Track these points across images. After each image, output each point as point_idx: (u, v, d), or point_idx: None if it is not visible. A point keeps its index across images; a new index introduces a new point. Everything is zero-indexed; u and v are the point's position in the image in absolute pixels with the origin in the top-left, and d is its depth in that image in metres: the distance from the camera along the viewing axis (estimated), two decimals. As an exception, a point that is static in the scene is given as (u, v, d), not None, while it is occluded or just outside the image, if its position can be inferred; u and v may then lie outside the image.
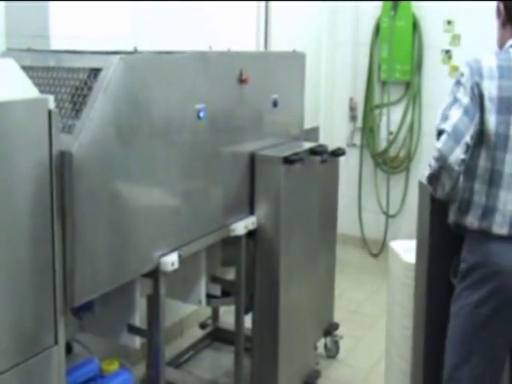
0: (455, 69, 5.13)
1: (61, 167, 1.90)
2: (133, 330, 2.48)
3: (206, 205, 2.63)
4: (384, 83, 5.38)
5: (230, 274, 3.01)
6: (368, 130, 5.52)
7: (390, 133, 5.38)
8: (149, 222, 2.29)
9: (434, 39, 5.19)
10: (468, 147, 2.09)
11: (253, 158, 2.89)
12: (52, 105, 1.84)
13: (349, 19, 5.53)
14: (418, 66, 5.23)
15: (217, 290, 3.01)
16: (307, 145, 3.18)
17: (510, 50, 2.21)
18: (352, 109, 5.62)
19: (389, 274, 2.88)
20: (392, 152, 5.42)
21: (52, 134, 1.84)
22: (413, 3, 5.15)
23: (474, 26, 4.98)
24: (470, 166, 2.14)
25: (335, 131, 5.68)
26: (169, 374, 2.92)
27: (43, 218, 1.85)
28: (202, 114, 2.50)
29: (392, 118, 5.34)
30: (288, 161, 2.86)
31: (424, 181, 2.24)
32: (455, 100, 2.15)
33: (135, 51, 2.25)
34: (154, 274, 2.37)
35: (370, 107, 5.48)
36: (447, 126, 2.12)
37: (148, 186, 2.27)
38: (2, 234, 1.73)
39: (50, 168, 1.85)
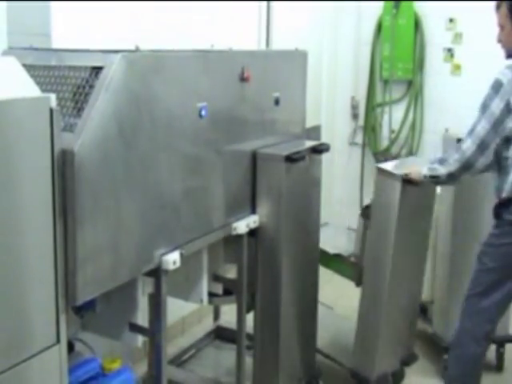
0: (457, 67, 5.13)
1: (62, 166, 1.90)
2: (135, 328, 2.48)
3: (207, 203, 2.63)
4: (386, 82, 5.38)
5: (232, 273, 3.01)
6: (370, 129, 5.52)
7: (392, 131, 5.38)
8: (150, 220, 2.29)
9: (436, 37, 5.18)
10: (491, 153, 2.76)
11: (255, 157, 2.89)
12: (54, 103, 1.84)
13: (350, 17, 5.52)
14: (419, 64, 5.23)
15: (218, 288, 3.01)
16: (309, 143, 3.18)
17: None
18: (354, 107, 5.62)
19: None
20: (394, 150, 5.42)
21: (53, 133, 1.84)
22: (415, 2, 5.15)
23: (476, 24, 4.97)
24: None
25: (337, 130, 5.68)
26: (170, 373, 2.92)
27: (45, 217, 1.85)
28: (203, 113, 2.50)
29: (394, 116, 5.34)
30: (290, 159, 2.85)
31: (433, 172, 2.93)
32: (487, 111, 2.73)
33: (137, 50, 2.25)
34: (156, 273, 2.37)
35: (371, 106, 5.47)
36: (475, 138, 2.75)
37: (149, 184, 2.27)
38: (4, 233, 1.73)
39: (52, 167, 1.85)
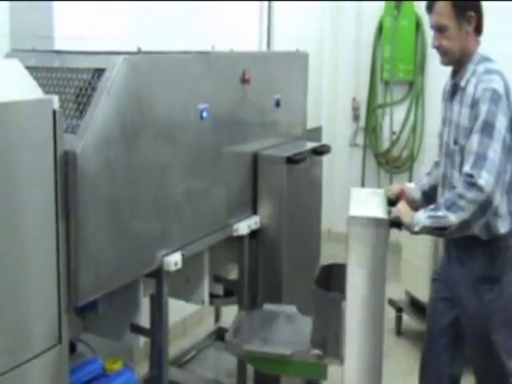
0: (458, 69, 5.13)
1: (65, 167, 1.91)
2: (136, 329, 2.48)
3: (209, 205, 2.63)
4: (387, 83, 5.39)
5: (233, 274, 3.01)
6: (371, 130, 5.52)
7: (393, 133, 5.39)
8: (152, 221, 2.29)
9: (438, 40, 5.18)
10: None
11: (256, 158, 2.90)
12: (56, 105, 1.85)
13: (351, 19, 5.52)
14: (421, 65, 5.23)
15: (219, 289, 3.01)
16: (310, 145, 3.18)
17: (490, 58, 2.38)
18: (355, 109, 5.62)
19: None
20: (395, 152, 5.42)
21: (56, 134, 1.85)
22: (416, 2, 5.15)
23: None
24: None
25: (338, 131, 5.68)
26: (172, 374, 2.92)
27: (47, 218, 1.86)
28: (205, 114, 2.51)
29: (395, 117, 5.34)
30: (291, 161, 2.86)
31: (439, 223, 2.21)
32: (494, 132, 2.18)
33: (139, 51, 2.26)
34: (158, 274, 2.38)
35: (372, 107, 5.48)
36: (491, 167, 2.15)
37: (151, 186, 2.27)
38: (7, 234, 1.73)
39: (55, 168, 1.86)
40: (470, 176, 2.15)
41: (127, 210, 2.16)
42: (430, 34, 5.45)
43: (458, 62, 2.39)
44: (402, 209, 2.33)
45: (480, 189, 2.12)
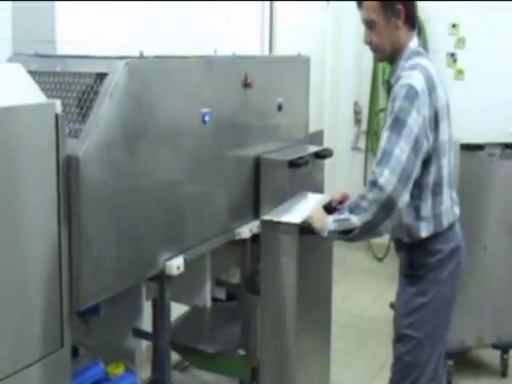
0: (460, 72, 5.14)
1: (67, 171, 1.91)
2: (138, 333, 2.48)
3: (211, 208, 2.63)
4: (389, 86, 5.39)
5: (235, 278, 3.01)
6: (373, 134, 5.52)
7: (395, 136, 5.38)
8: (154, 225, 2.29)
9: (439, 42, 5.19)
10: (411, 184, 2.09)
11: (258, 162, 2.90)
12: (59, 109, 1.85)
13: (353, 22, 5.51)
14: (422, 69, 5.23)
15: (222, 293, 3.01)
16: (312, 148, 3.19)
17: (422, 52, 2.29)
18: (356, 112, 5.63)
19: None
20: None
21: (59, 139, 1.85)
22: (417, 6, 5.15)
23: (478, 29, 4.98)
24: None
25: (340, 135, 5.69)
26: (174, 378, 2.92)
27: (50, 222, 1.86)
28: (207, 118, 2.51)
29: (397, 121, 5.34)
30: (293, 164, 2.86)
31: (342, 227, 2.14)
32: (404, 130, 2.07)
33: (141, 56, 2.26)
34: (160, 278, 2.38)
35: (374, 111, 5.48)
36: (394, 166, 2.04)
37: (153, 189, 2.27)
38: (9, 239, 1.74)
39: (57, 172, 1.86)
40: (374, 174, 2.06)
41: (129, 214, 2.17)
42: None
43: (391, 58, 2.29)
44: (314, 215, 2.27)
45: (380, 188, 2.01)
